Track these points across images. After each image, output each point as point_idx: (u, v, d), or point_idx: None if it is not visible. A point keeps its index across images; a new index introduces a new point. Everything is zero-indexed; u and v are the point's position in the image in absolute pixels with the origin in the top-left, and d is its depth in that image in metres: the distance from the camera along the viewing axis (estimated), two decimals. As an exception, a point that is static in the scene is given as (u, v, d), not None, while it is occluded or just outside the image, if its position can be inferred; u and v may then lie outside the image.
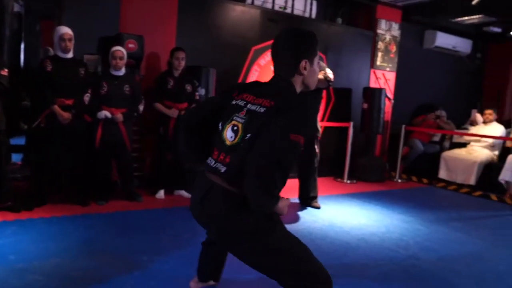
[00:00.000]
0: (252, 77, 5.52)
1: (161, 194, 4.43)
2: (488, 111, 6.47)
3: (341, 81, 6.27)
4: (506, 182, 5.61)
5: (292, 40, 1.67)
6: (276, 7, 5.72)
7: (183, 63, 4.34)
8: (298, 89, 1.71)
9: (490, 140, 6.22)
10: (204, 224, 1.78)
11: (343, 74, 6.31)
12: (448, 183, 6.28)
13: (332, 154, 6.28)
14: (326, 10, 6.38)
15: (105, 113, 3.93)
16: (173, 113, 4.28)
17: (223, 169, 1.62)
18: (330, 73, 4.09)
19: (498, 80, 8.63)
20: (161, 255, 2.92)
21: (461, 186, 6.12)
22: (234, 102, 1.69)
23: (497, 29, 7.36)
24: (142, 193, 4.40)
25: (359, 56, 6.55)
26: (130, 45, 4.29)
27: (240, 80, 5.42)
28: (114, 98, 3.96)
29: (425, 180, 6.49)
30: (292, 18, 5.81)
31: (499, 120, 6.85)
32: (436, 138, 7.15)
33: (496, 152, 6.29)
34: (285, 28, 1.76)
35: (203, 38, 5.09)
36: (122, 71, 4.06)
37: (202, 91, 4.68)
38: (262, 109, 1.58)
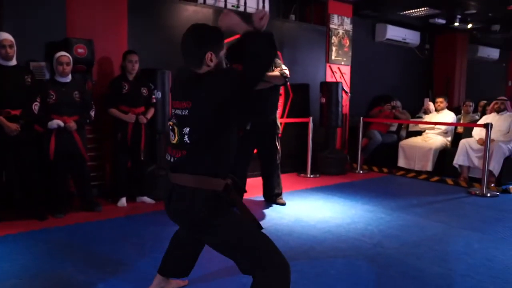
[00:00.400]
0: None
1: (123, 202, 4.31)
2: (439, 99, 6.73)
3: (298, 77, 6.32)
4: (460, 166, 5.85)
5: (197, 34, 1.82)
6: (229, 5, 5.70)
7: (136, 66, 4.24)
8: None
9: (443, 127, 6.46)
10: (174, 220, 1.92)
11: (299, 70, 6.37)
12: (407, 170, 6.48)
13: (294, 149, 6.33)
14: (278, 7, 6.42)
15: (57, 122, 3.77)
16: (130, 118, 4.17)
17: (183, 164, 1.79)
18: (286, 70, 4.12)
19: (446, 69, 9.04)
20: (126, 265, 2.82)
21: (419, 173, 6.32)
22: (173, 109, 1.88)
23: (442, 21, 7.68)
24: (103, 202, 4.27)
25: (314, 51, 6.64)
26: (80, 50, 4.14)
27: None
28: (64, 106, 3.81)
29: (385, 170, 6.67)
30: (245, 16, 5.76)
31: (449, 107, 7.16)
32: (393, 128, 7.36)
33: (449, 138, 6.55)
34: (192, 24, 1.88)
35: (156, 39, 5.00)
36: (69, 78, 3.91)
37: (158, 94, 4.60)
38: (186, 112, 1.77)
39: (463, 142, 5.85)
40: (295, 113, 6.33)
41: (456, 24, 7.72)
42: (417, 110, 7.83)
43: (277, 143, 4.34)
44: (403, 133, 7.30)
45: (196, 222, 1.80)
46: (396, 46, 8.36)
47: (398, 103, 7.50)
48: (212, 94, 1.72)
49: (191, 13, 5.29)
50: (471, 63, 9.56)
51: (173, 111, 1.86)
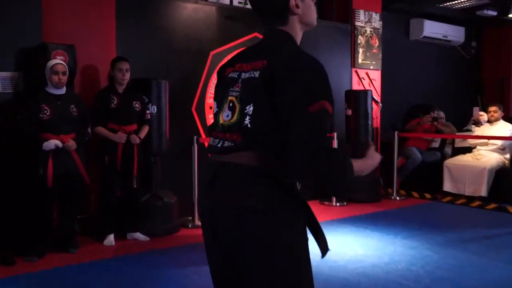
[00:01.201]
0: (213, 87, 5.50)
1: (110, 239, 4.29)
2: (493, 108, 6.68)
3: None
4: (523, 189, 5.77)
5: None
6: (235, 2, 5.77)
7: (127, 76, 4.28)
8: (299, 32, 1.66)
9: (499, 142, 6.40)
10: (212, 214, 1.54)
11: None
12: (455, 196, 6.39)
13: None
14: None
15: (54, 143, 3.82)
16: (120, 137, 4.18)
17: (239, 145, 1.50)
18: None
19: (499, 69, 8.97)
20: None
21: (471, 198, 6.22)
22: (228, 75, 1.63)
23: (492, 12, 7.67)
24: (86, 240, 4.25)
25: (337, 54, 6.66)
26: (59, 57, 4.18)
27: (198, 92, 5.40)
28: (60, 122, 3.87)
29: (427, 195, 6.59)
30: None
31: (505, 118, 7.09)
32: (436, 144, 7.31)
33: (508, 156, 6.47)
34: None
35: (151, 44, 5.05)
36: (64, 89, 3.98)
37: (153, 109, 4.62)
38: (257, 73, 1.51)
39: (524, 160, 5.77)
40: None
41: (511, 15, 7.68)
42: (464, 122, 7.77)
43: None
44: (448, 150, 7.24)
45: (252, 218, 1.43)
46: (436, 45, 8.36)
47: (441, 114, 7.46)
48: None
49: (191, 12, 5.35)
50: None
51: (232, 76, 1.61)
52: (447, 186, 6.51)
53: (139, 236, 4.43)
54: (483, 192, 6.13)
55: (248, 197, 1.44)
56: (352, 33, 6.81)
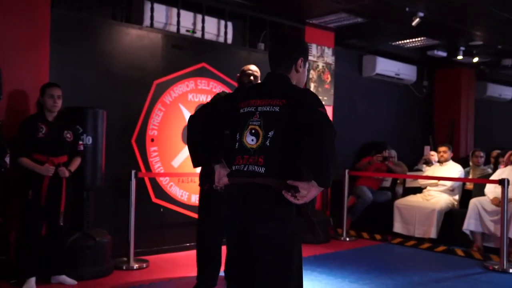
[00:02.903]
0: (156, 118, 5.39)
1: (31, 284, 4.00)
2: (442, 149, 6.85)
3: None
4: (471, 232, 5.88)
5: (290, 42, 2.44)
6: (182, 30, 5.71)
7: (59, 103, 4.12)
8: (294, 79, 2.36)
9: (448, 183, 6.54)
10: (242, 228, 2.19)
11: None
12: (405, 237, 6.46)
13: None
14: (244, 34, 6.49)
15: None
16: (47, 170, 3.97)
17: (262, 170, 2.15)
18: None
19: (450, 111, 9.32)
20: None
21: (421, 240, 6.31)
22: (242, 110, 2.27)
23: (442, 53, 8.00)
24: (4, 286, 3.95)
25: None
26: (-20, 81, 3.97)
27: (139, 123, 5.27)
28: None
29: (378, 236, 6.62)
30: (202, 44, 5.83)
31: (455, 159, 7.29)
32: (387, 184, 7.42)
33: (457, 197, 6.62)
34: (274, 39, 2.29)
35: (89, 70, 4.92)
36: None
37: (88, 140, 4.45)
38: (277, 108, 2.18)
39: (474, 202, 5.90)
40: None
41: (460, 57, 8.04)
42: (416, 161, 7.94)
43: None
44: (399, 189, 7.36)
45: (281, 229, 2.15)
46: (389, 82, 8.60)
47: (393, 153, 7.60)
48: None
49: (135, 38, 5.26)
50: (480, 104, 9.89)
51: (248, 110, 2.25)
52: (398, 227, 6.58)
53: (65, 279, 4.17)
54: (433, 234, 6.23)
55: (274, 210, 2.15)
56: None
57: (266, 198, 2.13)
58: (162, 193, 5.45)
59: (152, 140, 5.37)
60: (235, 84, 5.46)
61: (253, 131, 2.19)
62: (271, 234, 2.13)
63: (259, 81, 3.78)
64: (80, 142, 4.29)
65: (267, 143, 2.15)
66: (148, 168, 5.32)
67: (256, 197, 2.15)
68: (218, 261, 3.94)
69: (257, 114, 2.21)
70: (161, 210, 5.43)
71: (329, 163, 2.04)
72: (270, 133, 2.15)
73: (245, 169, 2.19)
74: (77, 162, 4.24)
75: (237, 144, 2.25)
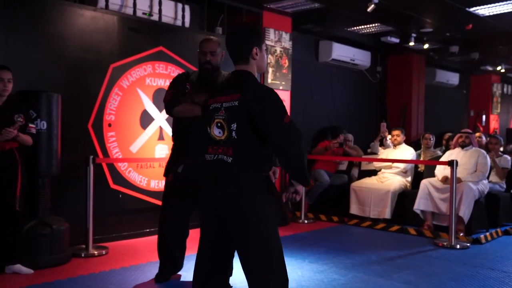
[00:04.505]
0: (113, 102, 5.24)
1: (-15, 274, 3.85)
2: (396, 132, 6.98)
3: None
4: (422, 211, 6.05)
5: (241, 34, 2.53)
6: (139, 13, 5.55)
7: (9, 87, 3.97)
8: (255, 73, 2.51)
9: (402, 165, 6.69)
10: (218, 208, 2.39)
11: None
12: (361, 219, 6.58)
13: None
14: (202, 18, 6.39)
15: None
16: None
17: (229, 159, 2.35)
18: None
19: (402, 95, 9.52)
20: None
21: (376, 221, 6.44)
22: (211, 106, 2.47)
23: (395, 39, 8.14)
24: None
25: None
26: None
27: (96, 107, 5.13)
28: None
29: (335, 218, 6.72)
30: (159, 27, 5.69)
31: (407, 141, 7.46)
32: (343, 167, 7.52)
33: (409, 179, 6.79)
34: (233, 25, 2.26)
35: (41, 52, 4.72)
36: None
37: (42, 125, 4.27)
38: (236, 102, 2.35)
39: (424, 182, 6.07)
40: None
41: (411, 43, 8.22)
42: (369, 144, 8.04)
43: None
44: (355, 172, 7.46)
45: (251, 205, 2.34)
46: (344, 68, 8.70)
47: (350, 136, 7.68)
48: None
49: (89, 20, 5.08)
50: (429, 89, 10.20)
51: (215, 106, 2.44)
52: (354, 209, 6.68)
53: (20, 268, 4.01)
54: (387, 214, 6.37)
55: (245, 184, 2.35)
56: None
57: (237, 179, 2.36)
58: (120, 179, 5.32)
59: (110, 125, 5.23)
60: (194, 68, 5.38)
61: (218, 124, 2.40)
62: (250, 209, 2.34)
63: (218, 58, 3.66)
64: (31, 125, 4.09)
65: (233, 135, 2.34)
66: (106, 153, 5.19)
67: (229, 178, 2.37)
68: (182, 249, 3.87)
69: (222, 110, 2.41)
70: (120, 196, 5.32)
71: (304, 168, 2.33)
72: (232, 125, 2.35)
73: (215, 158, 2.41)
74: (27, 138, 4.04)
75: (208, 136, 2.48)
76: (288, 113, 2.31)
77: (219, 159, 2.39)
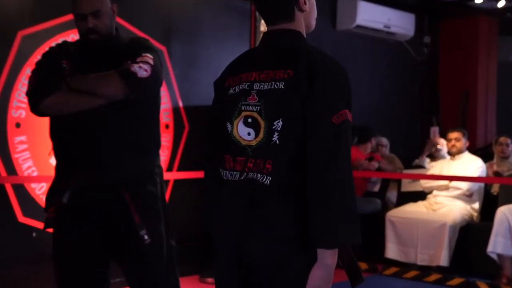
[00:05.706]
0: (24, 90, 5.08)
1: None
2: (454, 135, 6.87)
3: (200, 92, 6.30)
4: (500, 256, 5.90)
5: None
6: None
7: None
8: (303, 34, 2.29)
9: (464, 185, 6.54)
10: (243, 253, 2.15)
11: (204, 79, 6.25)
12: (403, 266, 6.46)
13: (193, 231, 6.04)
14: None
15: None
16: None
17: (267, 180, 2.08)
18: (144, 64, 3.73)
19: (462, 78, 9.34)
20: None
21: (426, 270, 6.31)
22: (232, 89, 2.22)
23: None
24: None
25: (231, 43, 6.65)
26: None
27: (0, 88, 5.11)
28: None
29: (363, 265, 6.51)
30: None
31: (471, 149, 7.29)
32: (375, 187, 7.42)
33: (476, 205, 6.64)
34: None
35: None
36: None
37: None
38: (281, 84, 2.10)
39: (502, 211, 5.94)
40: (194, 162, 6.09)
41: (478, 0, 8.04)
42: (414, 153, 7.93)
43: (158, 228, 3.91)
44: (393, 196, 7.38)
45: (297, 265, 2.07)
46: (375, 38, 8.58)
47: (384, 141, 7.59)
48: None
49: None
50: (504, 69, 9.94)
51: (241, 88, 2.20)
52: (392, 251, 6.58)
53: None
54: (443, 260, 6.21)
55: (284, 225, 2.08)
56: (252, 14, 6.82)
57: (278, 217, 2.10)
58: (34, 208, 5.18)
59: (18, 125, 5.16)
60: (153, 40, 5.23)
61: (249, 119, 2.17)
62: (294, 271, 2.11)
63: (106, 19, 3.25)
64: None
65: (275, 139, 2.10)
66: (11, 169, 5.10)
67: (267, 214, 2.12)
68: None
69: (255, 95, 2.16)
70: (33, 234, 5.20)
71: (344, 213, 2.04)
72: (276, 123, 2.10)
73: (241, 177, 2.16)
74: None
75: (226, 139, 2.24)
76: (348, 110, 2.10)
77: (248, 179, 2.13)
